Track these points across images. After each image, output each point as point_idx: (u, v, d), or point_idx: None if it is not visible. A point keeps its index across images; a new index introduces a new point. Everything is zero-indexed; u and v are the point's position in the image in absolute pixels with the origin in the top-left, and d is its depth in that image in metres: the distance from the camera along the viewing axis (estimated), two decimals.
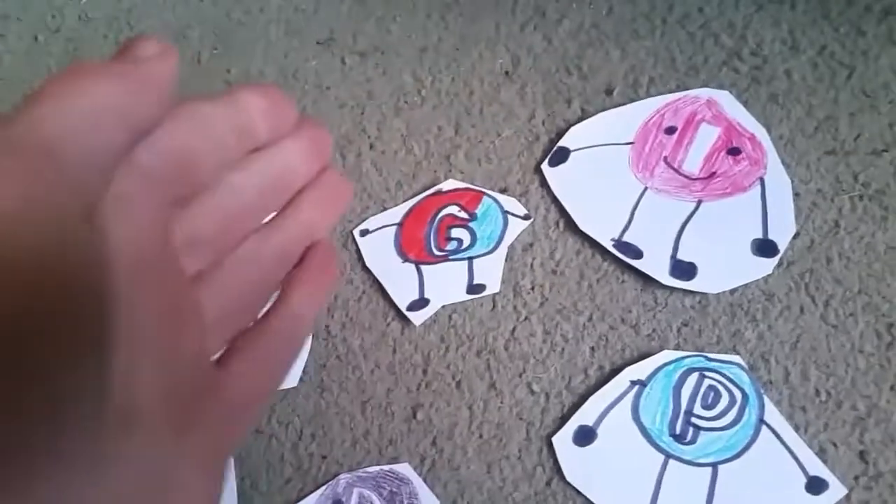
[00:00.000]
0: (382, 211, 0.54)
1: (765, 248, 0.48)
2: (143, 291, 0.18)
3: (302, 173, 0.23)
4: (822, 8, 0.58)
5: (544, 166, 0.53)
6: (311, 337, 0.50)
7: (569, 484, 0.44)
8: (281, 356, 0.23)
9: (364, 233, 0.53)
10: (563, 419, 0.46)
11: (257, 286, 0.23)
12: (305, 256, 0.24)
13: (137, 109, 0.18)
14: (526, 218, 0.52)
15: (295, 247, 0.24)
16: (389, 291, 0.51)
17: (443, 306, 0.50)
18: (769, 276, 0.48)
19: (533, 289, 0.50)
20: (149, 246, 0.18)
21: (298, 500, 0.46)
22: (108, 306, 0.17)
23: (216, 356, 0.22)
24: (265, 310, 0.23)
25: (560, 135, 0.54)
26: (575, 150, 0.53)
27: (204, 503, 0.19)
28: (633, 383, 0.46)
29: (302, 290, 0.23)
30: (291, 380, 0.49)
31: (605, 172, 0.52)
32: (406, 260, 0.52)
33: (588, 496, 0.43)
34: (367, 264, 0.52)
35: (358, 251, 0.53)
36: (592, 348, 0.47)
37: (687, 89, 0.55)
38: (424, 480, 0.45)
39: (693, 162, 0.52)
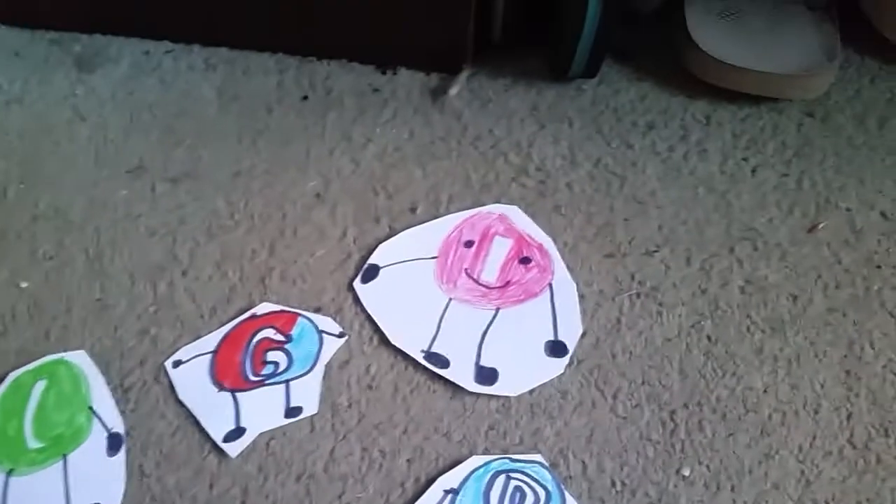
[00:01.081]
0: (196, 339, 0.54)
1: (556, 348, 0.53)
2: None
3: None
4: (596, 125, 0.66)
5: (356, 283, 0.56)
6: (124, 479, 0.49)
7: None
8: None
9: (177, 364, 0.53)
10: None
11: None
12: None
13: None
14: (341, 336, 0.54)
15: None
16: (204, 424, 0.50)
17: (260, 433, 0.50)
18: (562, 374, 0.52)
19: (350, 406, 0.51)
20: None
21: None
22: None
23: None
24: None
25: (370, 252, 0.57)
26: (384, 266, 0.57)
27: None
28: (447, 493, 0.48)
29: None
30: None
31: (412, 286, 0.56)
32: (221, 389, 0.52)
33: None
34: (180, 397, 0.51)
35: (171, 384, 0.52)
36: (409, 460, 0.49)
37: (482, 205, 0.60)
38: None
39: (490, 272, 0.56)
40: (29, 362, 0.53)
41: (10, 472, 0.49)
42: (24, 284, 0.57)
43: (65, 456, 0.50)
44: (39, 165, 0.64)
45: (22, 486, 0.49)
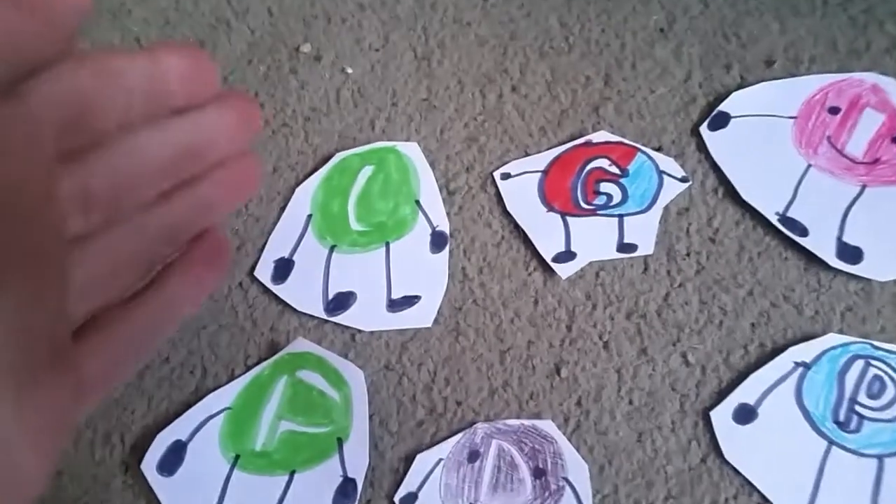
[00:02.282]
0: (525, 156, 0.51)
1: None
2: (8, 232, 0.16)
3: (221, 147, 0.22)
4: None
5: (703, 129, 0.50)
6: (447, 277, 0.47)
7: (726, 462, 0.41)
8: (142, 342, 0.21)
9: (505, 176, 0.50)
10: (721, 395, 0.43)
11: (135, 259, 0.21)
12: (195, 242, 0.22)
13: (26, 43, 0.16)
14: (683, 180, 0.49)
15: (186, 225, 0.22)
16: (534, 240, 0.48)
17: (590, 262, 0.47)
18: None
19: (689, 255, 0.47)
20: (24, 189, 0.17)
21: (432, 445, 0.42)
22: None
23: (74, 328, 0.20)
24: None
25: (718, 99, 0.52)
26: (736, 116, 0.51)
27: (31, 475, 0.17)
28: (797, 365, 0.43)
29: (182, 279, 0.22)
30: (426, 320, 0.46)
31: (766, 143, 0.50)
32: (551, 209, 0.49)
33: (748, 477, 0.41)
34: (509, 209, 0.49)
35: (498, 194, 0.50)
36: (753, 324, 0.45)
37: (850, 72, 0.53)
38: (569, 440, 0.42)
39: (857, 145, 0.50)
40: (352, 147, 0.52)
41: (332, 248, 0.49)
42: (349, 70, 0.55)
43: (387, 243, 0.49)
44: None
45: (343, 262, 0.48)
